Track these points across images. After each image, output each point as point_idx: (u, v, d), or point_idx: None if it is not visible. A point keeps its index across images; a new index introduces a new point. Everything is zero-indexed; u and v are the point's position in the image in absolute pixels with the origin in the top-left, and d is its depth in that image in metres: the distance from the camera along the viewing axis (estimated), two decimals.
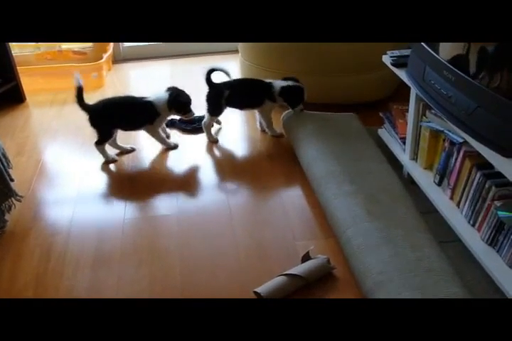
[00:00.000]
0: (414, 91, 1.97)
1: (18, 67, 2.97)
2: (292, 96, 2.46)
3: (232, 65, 3.36)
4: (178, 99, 2.39)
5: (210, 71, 2.41)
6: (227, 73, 2.43)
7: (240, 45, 2.90)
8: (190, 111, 2.43)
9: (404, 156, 2.14)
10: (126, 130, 2.49)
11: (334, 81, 2.64)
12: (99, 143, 2.43)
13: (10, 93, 2.96)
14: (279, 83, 2.45)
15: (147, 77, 3.40)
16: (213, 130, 2.65)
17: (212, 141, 2.58)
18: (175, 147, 2.55)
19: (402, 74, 1.99)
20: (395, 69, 2.03)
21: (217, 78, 2.48)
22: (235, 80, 2.49)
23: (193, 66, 3.49)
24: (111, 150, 2.49)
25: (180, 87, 3.03)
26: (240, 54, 2.96)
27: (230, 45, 3.53)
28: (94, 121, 2.38)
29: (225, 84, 2.47)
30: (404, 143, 2.14)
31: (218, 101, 2.46)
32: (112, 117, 2.39)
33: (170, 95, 2.38)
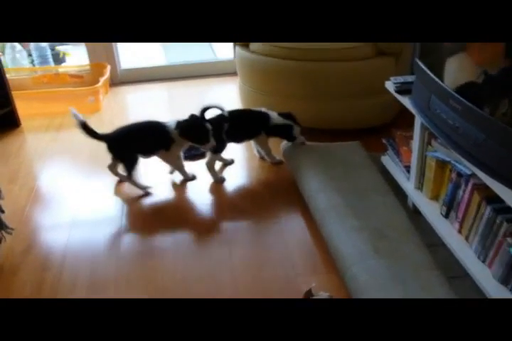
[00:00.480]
0: (418, 120, 1.91)
1: (13, 92, 2.92)
2: (282, 135, 2.42)
3: (230, 88, 3.32)
4: (187, 129, 2.24)
5: (204, 110, 2.30)
6: (221, 108, 2.34)
7: (238, 68, 2.84)
8: (203, 142, 2.24)
9: (408, 185, 2.06)
10: (144, 156, 2.35)
11: (335, 106, 2.58)
12: (130, 176, 2.31)
13: (5, 118, 2.91)
14: (273, 116, 2.39)
15: (145, 100, 3.35)
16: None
17: (218, 181, 2.40)
18: (193, 178, 2.42)
19: (406, 101, 1.93)
20: (398, 96, 1.97)
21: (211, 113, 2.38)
22: (229, 113, 2.39)
23: (191, 89, 3.45)
24: (107, 176, 2.42)
25: (179, 110, 2.96)
26: (238, 77, 2.90)
27: (228, 68, 3.48)
28: (114, 151, 2.29)
29: (220, 117, 2.36)
30: (408, 171, 2.07)
31: (219, 135, 2.30)
32: (130, 143, 2.29)
33: (180, 122, 2.24)
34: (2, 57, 3.41)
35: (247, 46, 2.69)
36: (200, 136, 2.24)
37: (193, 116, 2.25)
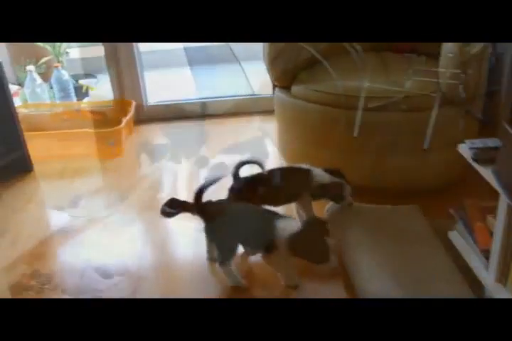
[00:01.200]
0: (504, 199, 1.49)
1: (26, 133, 2.62)
2: (329, 196, 2.04)
3: (270, 129, 2.91)
4: (298, 242, 1.68)
5: (240, 165, 1.95)
6: (260, 164, 1.96)
7: (277, 114, 2.48)
8: (321, 261, 1.70)
9: (486, 275, 1.64)
10: (247, 248, 1.92)
11: (389, 162, 2.17)
12: (223, 263, 1.82)
13: (16, 163, 2.61)
14: (318, 173, 2.01)
15: (174, 140, 2.99)
16: None
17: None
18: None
19: (487, 174, 1.52)
20: (477, 166, 1.57)
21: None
22: (268, 172, 2.01)
23: (226, 127, 3.06)
24: None
25: (212, 151, 2.74)
26: (276, 124, 2.52)
27: (267, 105, 3.08)
28: (211, 231, 1.83)
29: (257, 177, 2.00)
30: (486, 257, 1.65)
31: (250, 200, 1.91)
32: (235, 229, 1.80)
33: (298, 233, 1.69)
34: (21, 91, 3.16)
35: (288, 89, 2.33)
36: (317, 252, 1.70)
37: (309, 227, 1.71)
